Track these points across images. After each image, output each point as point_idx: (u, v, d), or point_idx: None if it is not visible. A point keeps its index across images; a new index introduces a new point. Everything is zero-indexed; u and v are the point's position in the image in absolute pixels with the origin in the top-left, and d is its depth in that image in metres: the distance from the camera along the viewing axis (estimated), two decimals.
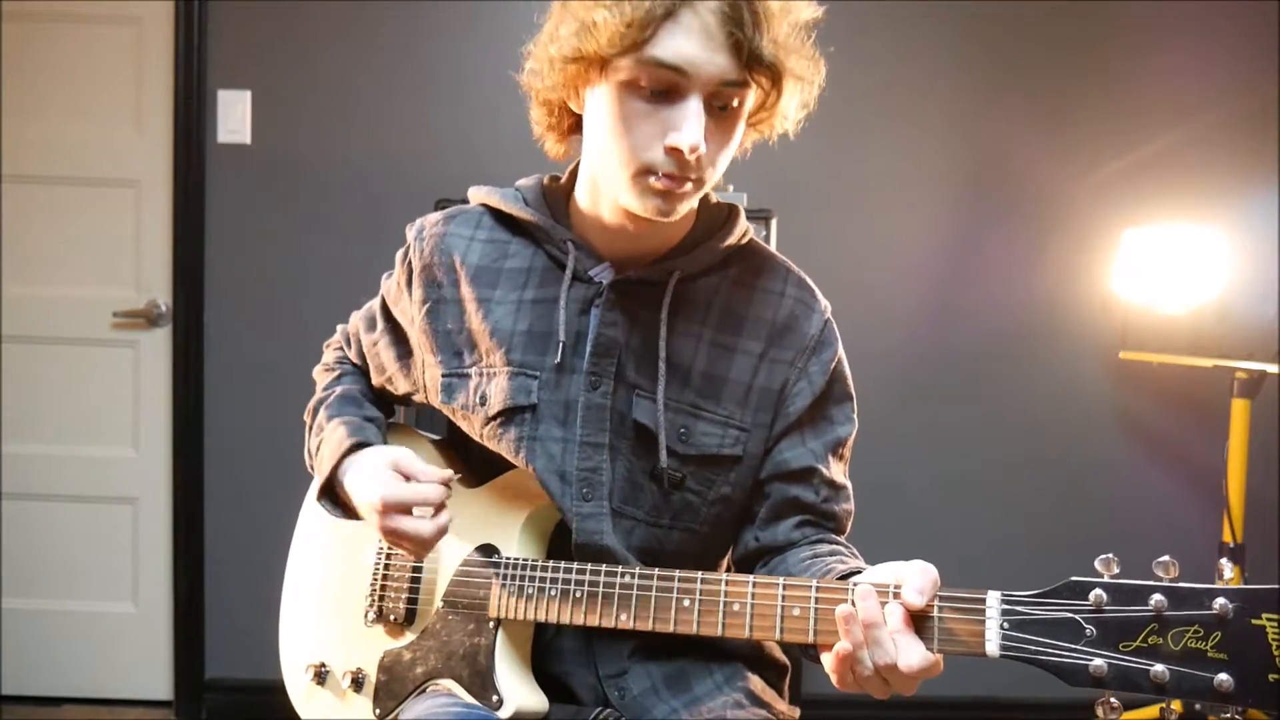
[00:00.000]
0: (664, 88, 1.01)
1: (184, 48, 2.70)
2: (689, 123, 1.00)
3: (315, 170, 2.74)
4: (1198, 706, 2.61)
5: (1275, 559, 2.63)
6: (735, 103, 1.04)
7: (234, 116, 2.73)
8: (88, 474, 2.82)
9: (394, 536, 1.10)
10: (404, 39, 2.72)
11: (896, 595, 0.92)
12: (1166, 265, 2.49)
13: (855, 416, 1.21)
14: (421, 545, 1.10)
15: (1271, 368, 2.41)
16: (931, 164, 2.78)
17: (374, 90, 2.74)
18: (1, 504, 2.81)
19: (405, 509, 1.09)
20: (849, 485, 1.20)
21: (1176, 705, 2.63)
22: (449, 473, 1.12)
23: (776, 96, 1.05)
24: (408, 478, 1.11)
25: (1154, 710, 2.53)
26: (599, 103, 1.05)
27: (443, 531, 1.10)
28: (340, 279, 2.71)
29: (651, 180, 1.04)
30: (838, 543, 1.15)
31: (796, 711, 1.25)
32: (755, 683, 1.21)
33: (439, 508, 1.10)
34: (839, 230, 2.77)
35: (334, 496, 1.21)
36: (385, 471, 1.12)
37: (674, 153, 1.02)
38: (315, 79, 2.73)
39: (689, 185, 1.05)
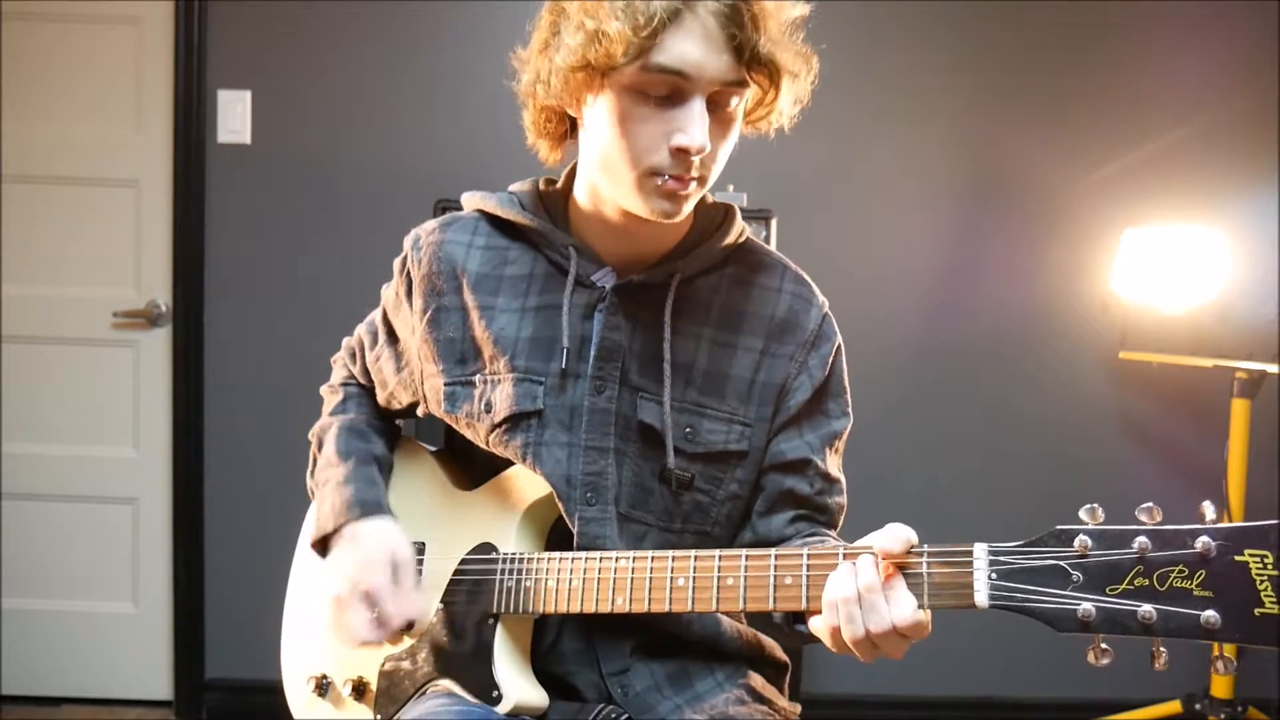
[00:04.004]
0: (667, 92, 1.02)
1: (184, 48, 2.70)
2: (694, 124, 1.02)
3: (315, 170, 2.74)
4: (1198, 706, 2.60)
5: None
6: (734, 102, 1.06)
7: (234, 116, 2.73)
8: (88, 474, 2.82)
9: (340, 615, 1.14)
10: (404, 39, 2.72)
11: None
12: (1166, 265, 2.49)
13: (850, 411, 1.22)
14: (352, 643, 1.13)
15: (1271, 368, 2.41)
16: (931, 164, 2.78)
17: (374, 90, 2.74)
18: (1, 504, 2.81)
19: (371, 605, 1.13)
20: (843, 479, 1.21)
21: (1176, 705, 2.63)
22: (422, 617, 1.15)
23: (775, 94, 1.06)
24: (397, 580, 1.15)
25: (1155, 710, 2.53)
26: (601, 109, 1.06)
27: (366, 644, 1.13)
28: (340, 279, 2.72)
29: (658, 182, 1.05)
30: (829, 536, 1.16)
31: (797, 708, 1.25)
32: (756, 680, 1.22)
33: (389, 630, 1.13)
34: (839, 230, 2.77)
35: (324, 544, 1.23)
36: (383, 563, 1.14)
37: (679, 154, 1.03)
38: (315, 79, 2.74)
39: (694, 185, 1.06)
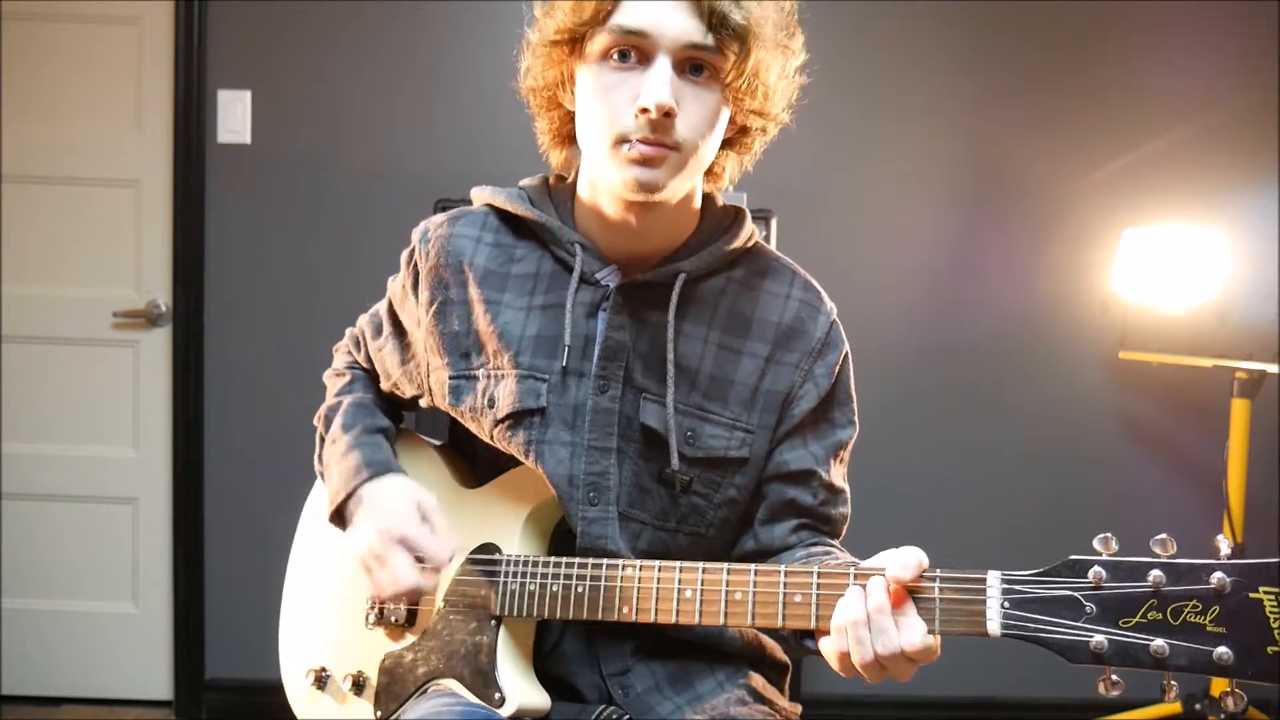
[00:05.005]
0: (631, 52, 1.04)
1: (184, 48, 2.70)
2: (653, 83, 1.03)
3: (315, 170, 2.74)
4: (1198, 706, 2.61)
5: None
6: (709, 70, 1.06)
7: (234, 116, 2.73)
8: (88, 474, 2.82)
9: (380, 567, 1.11)
10: (404, 39, 2.72)
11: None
12: (1166, 265, 2.49)
13: (856, 419, 1.21)
14: (401, 589, 1.10)
15: (1271, 368, 2.41)
16: (932, 164, 2.78)
17: (374, 90, 2.74)
18: (1, 504, 2.81)
19: (410, 550, 1.11)
20: (847, 489, 1.20)
21: (1177, 706, 2.63)
22: (455, 544, 1.13)
23: (747, 60, 1.05)
24: (428, 522, 1.13)
25: (1155, 710, 2.53)
26: (581, 85, 1.09)
27: (421, 592, 1.11)
28: (340, 279, 2.72)
29: (626, 149, 1.05)
30: (832, 546, 1.16)
31: (798, 709, 1.25)
32: (757, 680, 1.21)
33: (435, 568, 1.11)
34: (839, 230, 2.77)
35: (340, 514, 1.22)
36: (410, 511, 1.13)
37: (643, 114, 1.03)
38: (315, 79, 2.73)
39: (666, 152, 1.05)
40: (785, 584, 0.99)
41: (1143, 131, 2.75)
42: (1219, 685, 2.43)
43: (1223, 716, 2.38)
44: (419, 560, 1.11)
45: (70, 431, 2.82)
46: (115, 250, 2.79)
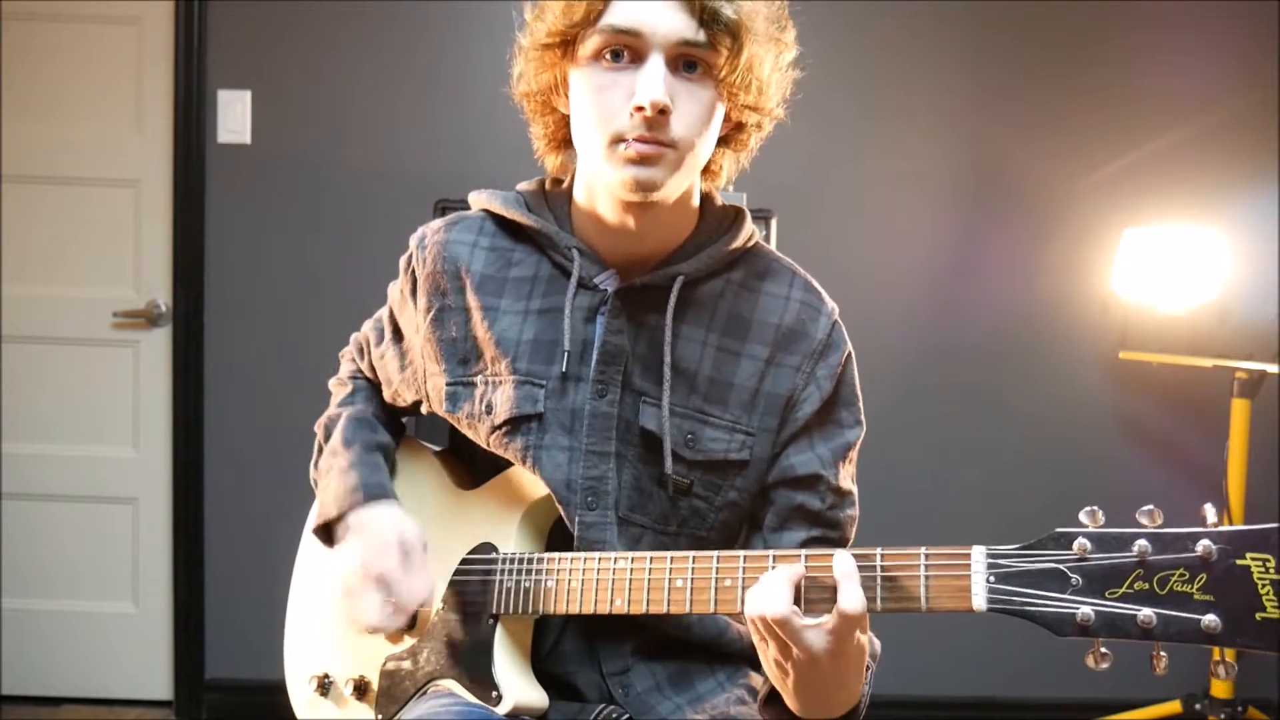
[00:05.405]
0: (623, 52, 1.04)
1: (184, 48, 2.70)
2: (647, 81, 1.03)
3: (315, 170, 2.74)
4: (1198, 707, 2.60)
5: None
6: (702, 66, 1.06)
7: (234, 116, 2.73)
8: (88, 474, 2.82)
9: (350, 600, 1.15)
10: (404, 39, 2.72)
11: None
12: (1166, 265, 2.49)
13: (863, 419, 1.20)
14: (364, 627, 1.14)
15: (1271, 368, 2.41)
16: (932, 164, 2.78)
17: (374, 90, 2.74)
18: (1, 504, 2.81)
19: (384, 589, 1.13)
20: (855, 490, 1.19)
21: (1177, 706, 2.62)
22: (437, 599, 1.16)
23: (739, 54, 1.05)
24: (408, 563, 1.15)
25: (1155, 710, 2.53)
26: (575, 88, 1.09)
27: (384, 632, 1.15)
28: (340, 279, 2.72)
29: (622, 148, 1.05)
30: None
31: None
32: (757, 680, 1.21)
33: (404, 613, 1.14)
34: (839, 230, 2.77)
35: (328, 530, 1.23)
36: (393, 547, 1.15)
37: (639, 112, 1.03)
38: (315, 79, 2.74)
39: (662, 150, 1.05)
40: (773, 569, 0.99)
41: (1143, 131, 2.75)
42: (1216, 680, 2.43)
43: (1222, 716, 2.38)
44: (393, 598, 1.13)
45: (70, 431, 2.82)
46: (115, 250, 2.79)
